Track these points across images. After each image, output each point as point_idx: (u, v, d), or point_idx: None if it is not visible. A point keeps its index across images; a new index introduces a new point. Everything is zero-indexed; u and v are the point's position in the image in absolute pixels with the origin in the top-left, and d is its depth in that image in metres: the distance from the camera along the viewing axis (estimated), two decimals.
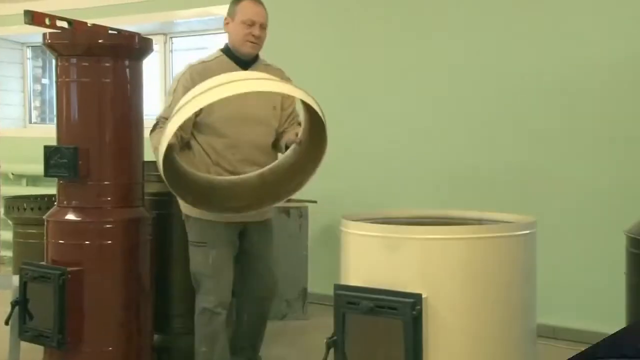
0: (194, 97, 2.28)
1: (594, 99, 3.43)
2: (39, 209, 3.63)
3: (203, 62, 2.70)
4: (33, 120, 5.82)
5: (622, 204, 3.30)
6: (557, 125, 3.51)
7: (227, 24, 2.74)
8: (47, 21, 2.66)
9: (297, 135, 2.58)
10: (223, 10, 4.55)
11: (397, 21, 3.96)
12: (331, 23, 4.19)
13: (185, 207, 2.69)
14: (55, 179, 2.77)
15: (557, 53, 3.49)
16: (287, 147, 2.64)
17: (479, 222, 2.39)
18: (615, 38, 3.38)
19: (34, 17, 2.62)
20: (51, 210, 2.78)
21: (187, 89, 2.49)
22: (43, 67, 5.87)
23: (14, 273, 3.04)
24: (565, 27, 3.49)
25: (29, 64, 5.79)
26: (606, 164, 3.39)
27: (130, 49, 2.75)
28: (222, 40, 4.77)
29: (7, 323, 2.77)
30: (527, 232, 2.22)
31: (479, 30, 3.70)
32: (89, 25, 2.79)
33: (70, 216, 2.71)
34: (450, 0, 3.80)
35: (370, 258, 2.17)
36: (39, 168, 2.82)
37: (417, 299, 2.05)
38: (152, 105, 4.89)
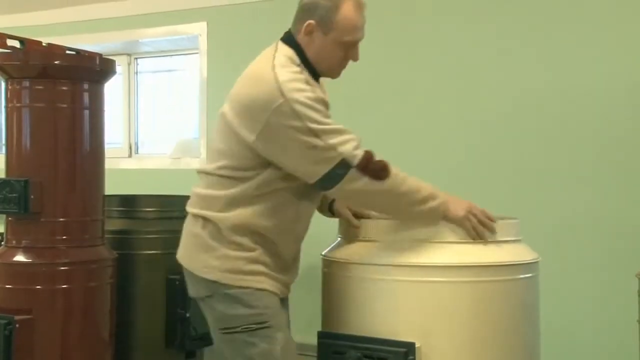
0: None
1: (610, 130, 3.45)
2: None
3: (295, 72, 2.10)
4: None
5: (632, 243, 3.30)
6: (562, 156, 3.52)
7: (311, 32, 2.13)
8: None
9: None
10: (193, 28, 4.64)
11: (390, 37, 3.98)
12: None
13: (227, 274, 2.09)
14: (4, 216, 2.71)
15: (565, 77, 3.52)
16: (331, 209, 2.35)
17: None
18: (619, 62, 3.42)
19: None
20: None
21: (324, 101, 2.13)
22: None
23: None
24: (571, 49, 3.53)
25: None
26: (613, 200, 3.40)
27: (90, 70, 2.73)
28: (192, 61, 4.82)
29: None
30: (530, 275, 2.22)
31: (475, 49, 3.73)
32: (43, 44, 2.77)
33: (20, 257, 2.65)
34: (444, 14, 3.84)
35: (357, 302, 2.15)
36: None
37: (409, 348, 2.04)
38: (114, 132, 4.86)
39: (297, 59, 2.13)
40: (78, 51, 2.82)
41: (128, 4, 4.71)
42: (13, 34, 2.71)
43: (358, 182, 2.01)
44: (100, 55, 2.81)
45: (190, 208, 2.17)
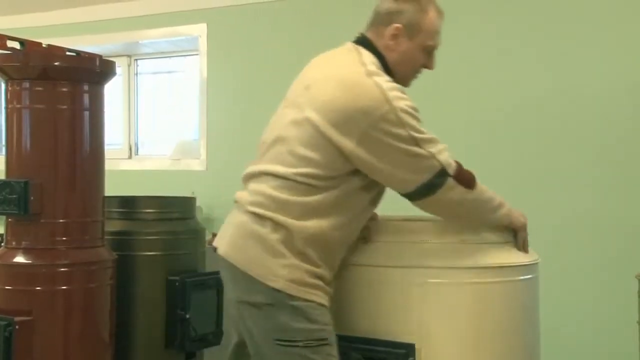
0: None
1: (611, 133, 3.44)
2: None
3: (390, 80, 2.06)
4: None
5: (631, 244, 3.30)
6: (562, 157, 3.52)
7: (397, 36, 2.12)
8: None
9: None
10: (193, 30, 4.64)
11: None
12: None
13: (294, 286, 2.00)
14: (3, 217, 2.70)
15: (566, 79, 3.52)
16: None
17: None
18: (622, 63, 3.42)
19: None
20: None
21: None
22: None
23: None
24: (573, 52, 3.53)
25: None
26: (613, 201, 3.40)
27: (90, 72, 2.72)
28: (192, 62, 4.82)
29: None
30: (530, 276, 2.22)
31: (475, 49, 3.73)
32: (44, 45, 2.76)
33: (20, 258, 2.64)
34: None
35: (358, 304, 2.14)
36: None
37: (409, 349, 2.04)
38: (114, 133, 4.86)
39: (380, 66, 2.10)
40: (78, 52, 2.81)
41: (128, 5, 4.71)
42: (13, 35, 2.71)
43: (454, 191, 2.03)
44: (100, 56, 2.80)
45: (255, 208, 2.03)
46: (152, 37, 4.79)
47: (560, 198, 3.49)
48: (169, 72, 5.10)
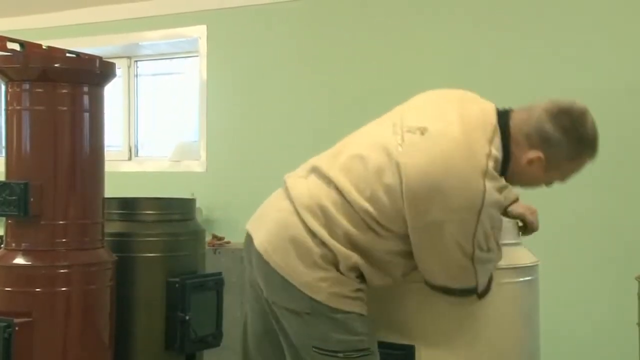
0: None
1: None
2: None
3: (499, 188, 1.94)
4: None
5: (632, 245, 3.30)
6: None
7: (533, 162, 1.96)
8: None
9: None
10: (193, 31, 4.64)
11: (390, 37, 3.98)
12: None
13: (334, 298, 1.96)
14: (3, 219, 2.70)
15: (560, 79, 3.52)
16: None
17: None
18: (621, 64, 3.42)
19: None
20: None
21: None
22: None
23: None
24: (565, 52, 3.53)
25: None
26: (613, 201, 3.40)
27: (90, 73, 2.72)
28: (192, 64, 4.82)
29: None
30: (530, 278, 2.21)
31: (475, 49, 3.73)
32: (44, 47, 2.76)
33: (19, 260, 2.63)
34: (444, 15, 3.84)
35: None
36: None
37: (409, 351, 2.04)
38: (114, 135, 4.86)
39: (499, 167, 1.92)
40: (78, 54, 2.81)
41: (128, 7, 4.71)
42: (13, 36, 2.71)
43: (467, 300, 2.02)
44: (100, 58, 2.80)
45: (308, 216, 1.95)
46: (152, 39, 4.79)
47: (560, 199, 3.49)
48: (169, 73, 5.10)
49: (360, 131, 2.11)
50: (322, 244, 1.94)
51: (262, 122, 4.33)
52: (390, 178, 1.90)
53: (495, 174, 1.90)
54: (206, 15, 4.49)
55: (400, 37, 3.93)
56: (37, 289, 2.61)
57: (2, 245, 2.74)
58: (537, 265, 2.26)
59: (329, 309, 1.94)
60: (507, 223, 2.19)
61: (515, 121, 1.97)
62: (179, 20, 4.60)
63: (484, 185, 1.85)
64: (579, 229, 3.44)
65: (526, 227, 2.27)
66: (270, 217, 2.06)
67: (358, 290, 1.99)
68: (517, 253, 2.21)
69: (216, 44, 4.48)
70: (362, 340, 1.97)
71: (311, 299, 1.94)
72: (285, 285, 1.97)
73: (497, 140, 1.92)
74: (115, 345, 2.78)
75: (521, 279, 2.18)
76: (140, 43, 4.88)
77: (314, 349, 1.98)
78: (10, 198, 2.61)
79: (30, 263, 2.63)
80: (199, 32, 4.55)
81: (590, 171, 3.43)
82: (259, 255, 2.01)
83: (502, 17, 3.68)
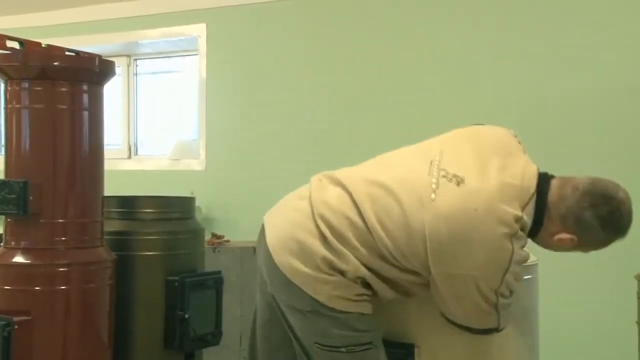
0: None
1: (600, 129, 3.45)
2: None
3: (525, 248, 1.96)
4: None
5: (631, 244, 3.30)
6: (556, 155, 3.51)
7: (564, 241, 2.00)
8: None
9: None
10: (192, 30, 4.63)
11: (390, 37, 3.98)
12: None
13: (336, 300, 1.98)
14: (2, 217, 2.69)
15: (558, 80, 3.53)
16: None
17: None
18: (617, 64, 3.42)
19: None
20: None
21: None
22: None
23: None
24: (565, 52, 3.53)
25: None
26: None
27: (89, 72, 2.71)
28: (191, 62, 4.82)
29: None
30: (529, 277, 2.21)
31: (475, 49, 3.73)
32: (43, 45, 2.75)
33: (19, 258, 2.63)
34: (444, 15, 3.84)
35: None
36: None
37: (409, 349, 2.06)
38: (113, 134, 4.86)
39: (528, 228, 1.93)
40: (77, 52, 2.81)
41: (128, 5, 4.71)
42: (13, 34, 2.71)
43: (487, 335, 2.02)
44: (99, 56, 2.80)
45: (323, 225, 1.95)
46: (151, 37, 4.79)
47: None
48: (168, 72, 5.10)
49: (395, 156, 2.08)
50: (332, 250, 1.94)
51: (262, 121, 4.33)
52: (415, 221, 1.88)
53: (522, 234, 1.90)
54: (206, 13, 4.49)
55: (400, 37, 3.93)
56: (37, 288, 2.61)
57: (1, 244, 2.74)
58: (536, 264, 2.26)
59: (330, 309, 1.96)
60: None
61: (553, 194, 1.95)
62: (178, 19, 4.60)
63: (512, 247, 1.86)
64: None
65: None
66: (286, 214, 2.07)
67: (362, 294, 1.99)
68: None
69: (216, 43, 4.48)
70: (364, 335, 1.99)
71: (312, 298, 1.96)
72: (287, 283, 1.98)
73: (531, 208, 1.91)
74: (114, 344, 2.78)
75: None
76: (139, 41, 4.88)
77: (316, 345, 1.99)
78: (9, 196, 2.60)
79: (29, 261, 2.62)
80: (198, 30, 4.55)
81: (590, 171, 3.45)
82: (267, 251, 2.03)
83: (502, 17, 3.68)
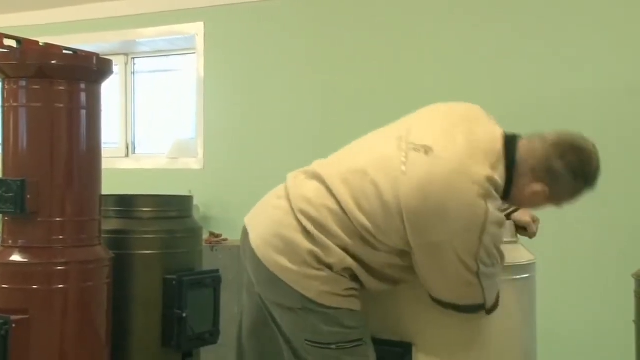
0: None
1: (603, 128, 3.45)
2: None
3: (500, 210, 1.97)
4: None
5: (629, 243, 3.31)
6: None
7: (537, 194, 2.00)
8: None
9: None
10: (190, 28, 4.64)
11: (390, 37, 3.98)
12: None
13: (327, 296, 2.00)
14: (0, 216, 2.70)
15: (558, 80, 3.53)
16: None
17: None
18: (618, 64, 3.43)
19: None
20: None
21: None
22: None
23: None
24: (565, 52, 3.54)
25: None
26: (610, 201, 3.40)
27: (87, 70, 2.71)
28: (189, 61, 4.82)
29: None
30: (526, 275, 2.22)
31: (475, 49, 3.74)
32: (40, 44, 2.76)
33: (16, 257, 2.63)
34: (444, 15, 3.84)
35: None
36: None
37: (406, 348, 2.06)
38: (111, 132, 4.86)
39: (500, 192, 1.94)
40: (75, 51, 2.81)
41: (125, 3, 4.71)
42: (10, 33, 2.71)
43: (475, 314, 2.03)
44: (97, 55, 2.80)
45: (303, 219, 1.97)
46: (149, 36, 4.79)
47: None
48: (166, 70, 5.10)
49: (365, 141, 2.11)
50: (317, 243, 1.96)
51: (260, 119, 4.33)
52: (390, 196, 1.91)
53: (496, 194, 1.91)
54: (203, 12, 4.49)
55: (401, 37, 3.93)
56: (34, 286, 2.61)
57: None
58: (533, 263, 2.27)
59: (320, 305, 1.97)
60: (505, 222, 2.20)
61: (521, 151, 1.98)
62: (176, 17, 4.60)
63: (486, 206, 1.87)
64: (577, 227, 3.45)
65: (525, 231, 2.28)
66: (267, 213, 2.08)
67: (350, 289, 2.00)
68: (514, 251, 2.22)
69: (213, 41, 4.48)
70: (354, 332, 2.00)
71: (302, 295, 1.97)
72: (275, 281, 1.99)
73: (501, 168, 1.94)
74: (112, 342, 2.78)
75: (518, 277, 2.19)
76: (137, 40, 4.88)
77: (306, 342, 2.01)
78: (7, 195, 2.60)
79: (27, 260, 2.62)
80: (196, 29, 4.55)
81: None
82: (252, 251, 2.04)
83: (502, 17, 3.68)
